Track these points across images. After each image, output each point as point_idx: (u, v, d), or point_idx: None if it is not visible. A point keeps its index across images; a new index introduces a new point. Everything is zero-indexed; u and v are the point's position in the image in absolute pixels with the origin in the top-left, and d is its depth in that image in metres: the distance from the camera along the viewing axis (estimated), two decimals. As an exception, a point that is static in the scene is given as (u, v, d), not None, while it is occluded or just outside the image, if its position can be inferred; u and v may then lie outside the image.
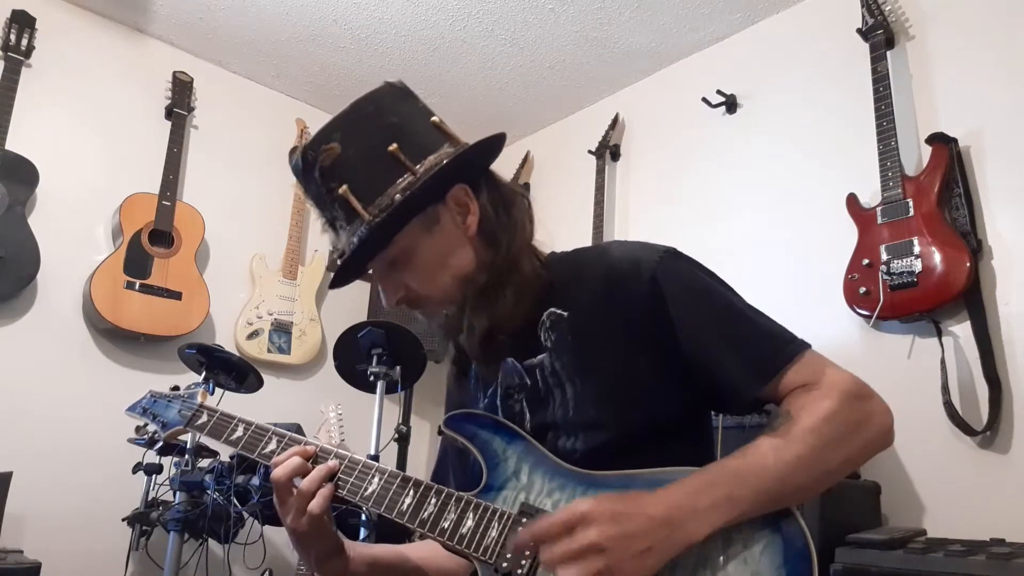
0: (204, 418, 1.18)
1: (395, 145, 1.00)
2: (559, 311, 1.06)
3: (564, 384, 1.04)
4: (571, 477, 0.97)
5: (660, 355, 1.00)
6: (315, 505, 1.01)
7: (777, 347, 0.97)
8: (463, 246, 1.06)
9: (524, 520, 0.94)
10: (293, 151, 1.07)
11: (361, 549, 1.15)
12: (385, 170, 1.01)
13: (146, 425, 1.25)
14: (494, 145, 1.10)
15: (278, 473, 1.03)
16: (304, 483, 1.02)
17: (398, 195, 1.00)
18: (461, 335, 1.09)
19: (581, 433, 1.01)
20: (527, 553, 0.90)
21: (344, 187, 1.01)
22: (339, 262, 1.06)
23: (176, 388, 1.32)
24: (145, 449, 2.40)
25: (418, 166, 1.01)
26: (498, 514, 0.95)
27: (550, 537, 0.83)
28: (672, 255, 1.04)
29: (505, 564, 0.91)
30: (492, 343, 1.06)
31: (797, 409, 0.92)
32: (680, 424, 1.03)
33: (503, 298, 1.04)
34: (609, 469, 0.96)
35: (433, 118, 1.06)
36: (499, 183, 1.12)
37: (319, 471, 1.03)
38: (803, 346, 0.97)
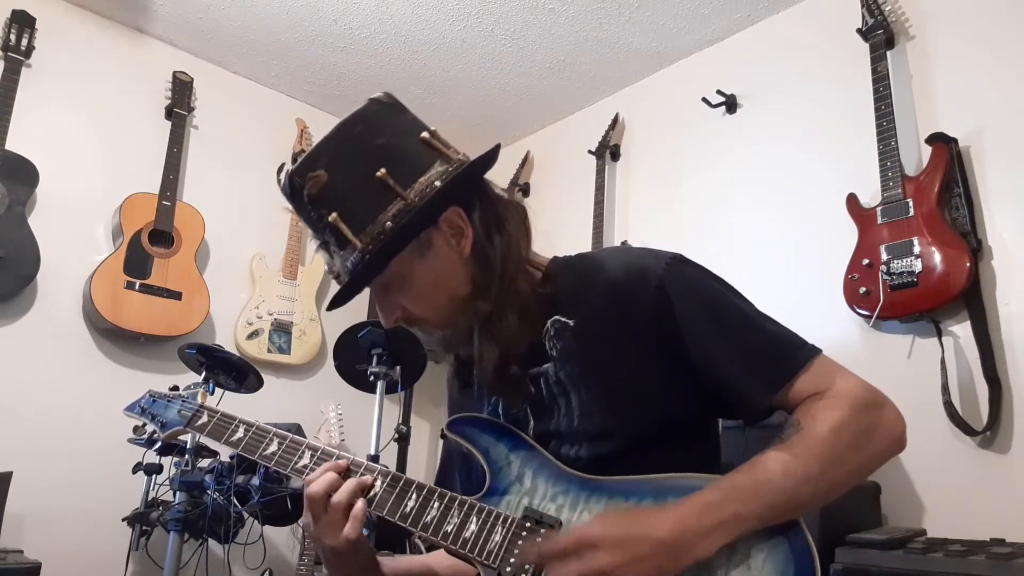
0: (204, 419, 1.17)
1: (383, 170, 0.97)
2: (564, 319, 1.04)
3: (569, 393, 1.03)
4: (574, 482, 0.97)
5: (667, 363, 0.99)
6: (350, 529, 0.98)
7: (787, 354, 0.96)
8: (457, 269, 1.03)
9: (528, 524, 0.94)
10: (281, 169, 1.05)
11: (392, 564, 1.14)
12: (374, 196, 0.98)
13: (144, 425, 1.24)
14: (487, 160, 1.07)
15: (314, 489, 0.99)
16: (336, 497, 0.99)
17: (389, 222, 0.97)
18: (461, 351, 1.09)
19: (585, 442, 1.01)
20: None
21: (334, 215, 0.98)
22: (335, 282, 1.05)
23: (176, 388, 1.31)
24: (145, 449, 2.40)
25: (408, 190, 0.98)
26: (502, 518, 0.95)
27: (559, 558, 0.84)
28: (679, 262, 1.03)
29: (509, 569, 0.91)
30: (507, 372, 1.04)
31: (807, 419, 0.91)
32: (686, 432, 1.02)
33: (508, 322, 1.02)
34: (613, 475, 0.96)
35: (423, 134, 1.03)
36: (493, 198, 1.08)
37: (351, 485, 1.00)
38: (813, 352, 0.96)
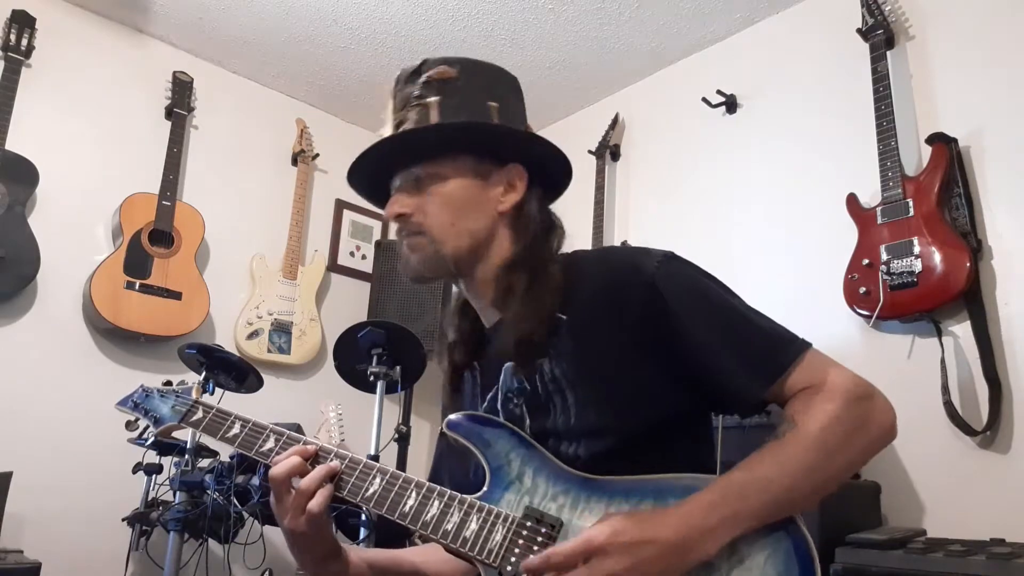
0: (199, 414, 1.14)
1: (496, 104, 1.10)
2: (559, 315, 1.05)
3: (564, 391, 1.03)
4: (574, 481, 0.97)
5: (661, 360, 0.99)
6: (314, 504, 0.99)
7: (779, 348, 0.97)
8: (488, 213, 1.09)
9: (529, 524, 0.94)
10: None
11: (358, 552, 1.14)
12: (475, 112, 1.09)
13: (136, 420, 1.21)
14: (566, 165, 1.16)
15: (276, 471, 1.01)
16: (304, 482, 1.00)
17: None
18: (456, 355, 1.13)
19: (583, 440, 1.01)
20: None
21: (437, 99, 1.07)
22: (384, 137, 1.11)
23: (168, 383, 1.26)
24: (145, 449, 2.40)
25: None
26: (502, 517, 0.95)
27: (565, 566, 0.84)
28: (671, 259, 1.04)
29: (509, 568, 0.91)
30: (531, 346, 1.05)
31: (800, 414, 0.92)
32: (681, 428, 1.03)
33: (541, 302, 1.04)
34: (611, 474, 0.96)
35: (528, 122, 1.17)
36: (550, 201, 1.17)
37: (319, 471, 1.01)
38: (804, 346, 0.97)
